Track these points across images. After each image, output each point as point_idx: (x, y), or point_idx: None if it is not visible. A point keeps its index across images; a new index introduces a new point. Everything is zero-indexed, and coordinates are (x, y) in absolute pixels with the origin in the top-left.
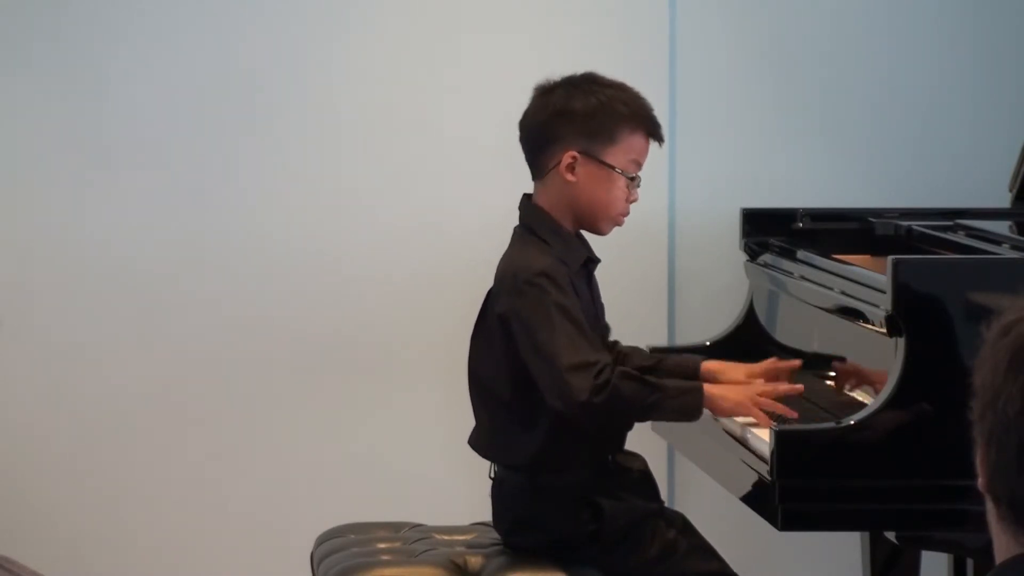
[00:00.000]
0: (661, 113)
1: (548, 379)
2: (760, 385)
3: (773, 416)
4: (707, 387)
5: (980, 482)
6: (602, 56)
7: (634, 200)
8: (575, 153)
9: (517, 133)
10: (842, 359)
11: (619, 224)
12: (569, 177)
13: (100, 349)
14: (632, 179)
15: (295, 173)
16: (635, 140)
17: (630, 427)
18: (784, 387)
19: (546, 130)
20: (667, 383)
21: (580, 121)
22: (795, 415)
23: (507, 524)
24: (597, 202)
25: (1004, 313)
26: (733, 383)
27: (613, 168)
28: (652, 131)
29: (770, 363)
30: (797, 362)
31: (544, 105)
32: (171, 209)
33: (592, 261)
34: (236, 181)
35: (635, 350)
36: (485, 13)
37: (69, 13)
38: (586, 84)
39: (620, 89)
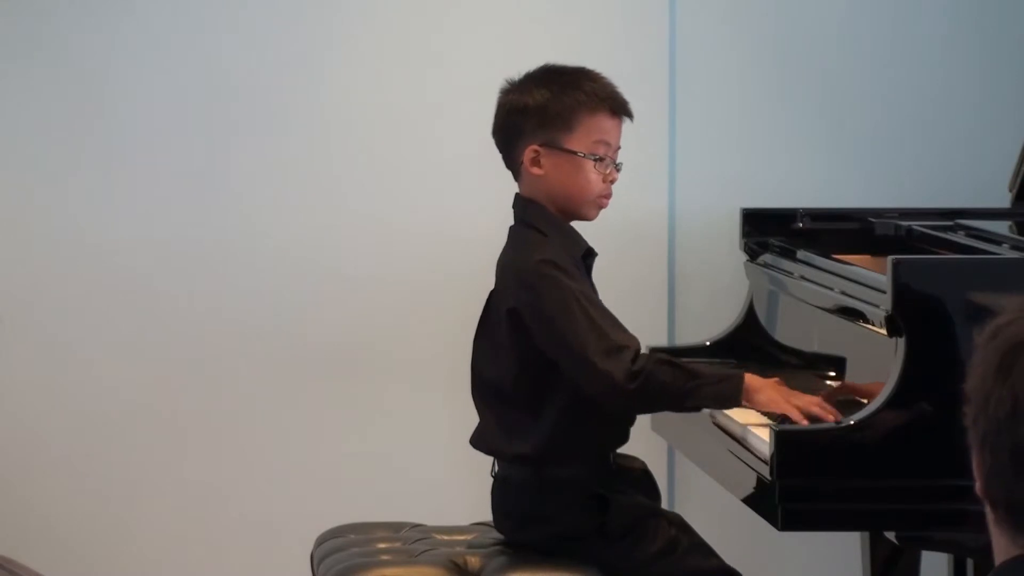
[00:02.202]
0: (661, 113)
1: (579, 370)
2: (800, 394)
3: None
4: (747, 376)
5: (977, 487)
6: (602, 56)
7: (613, 180)
8: (536, 147)
9: None
10: (842, 360)
11: (603, 206)
12: (536, 171)
13: (100, 349)
14: (601, 160)
15: (295, 175)
16: (596, 121)
17: (664, 410)
18: (820, 400)
19: (508, 128)
20: (704, 369)
21: (534, 114)
22: (837, 417)
23: (512, 520)
24: (570, 189)
25: (997, 316)
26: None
27: (575, 153)
28: (616, 108)
29: (817, 400)
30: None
31: (503, 103)
32: (171, 211)
33: (590, 255)
34: (236, 183)
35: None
36: (483, 14)
37: (68, 14)
38: (541, 76)
39: (577, 73)
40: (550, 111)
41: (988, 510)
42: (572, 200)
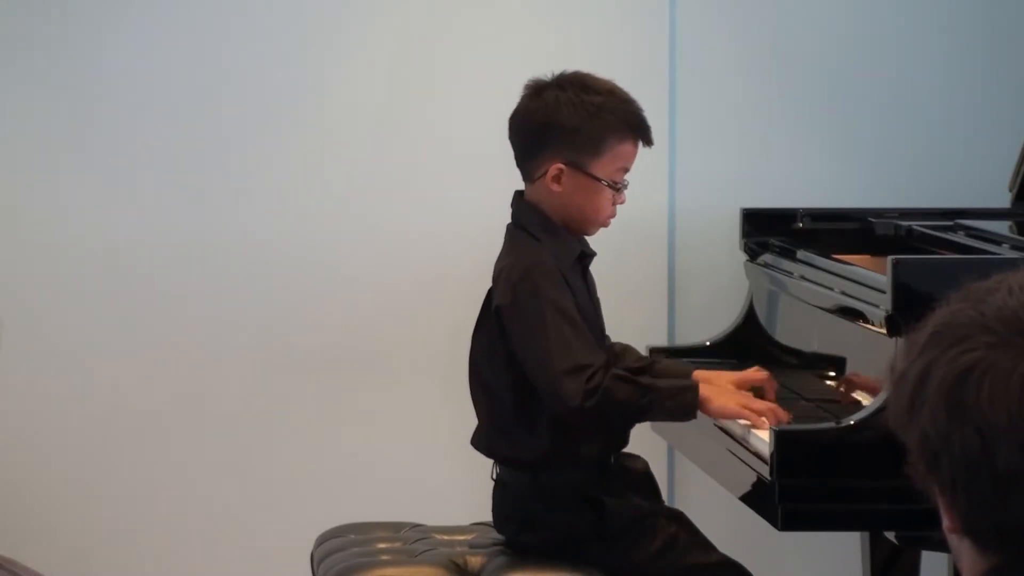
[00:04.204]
0: (661, 113)
1: (542, 382)
2: (750, 396)
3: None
4: (702, 387)
5: (948, 526)
6: (602, 56)
7: (621, 203)
8: (561, 166)
9: None
10: (842, 360)
11: (605, 226)
12: (555, 187)
13: (100, 351)
14: (617, 187)
15: (294, 177)
16: (623, 148)
17: (629, 427)
18: (772, 403)
19: (534, 138)
20: (661, 383)
21: (567, 133)
22: (788, 417)
23: (512, 524)
24: (585, 211)
25: (897, 360)
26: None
27: (599, 180)
28: (641, 137)
29: (753, 371)
30: (774, 382)
31: (533, 110)
32: (172, 213)
33: (587, 255)
34: (235, 184)
35: (627, 349)
36: (483, 13)
37: (67, 13)
38: (575, 91)
39: (609, 95)
40: (582, 134)
41: (968, 544)
42: (580, 220)
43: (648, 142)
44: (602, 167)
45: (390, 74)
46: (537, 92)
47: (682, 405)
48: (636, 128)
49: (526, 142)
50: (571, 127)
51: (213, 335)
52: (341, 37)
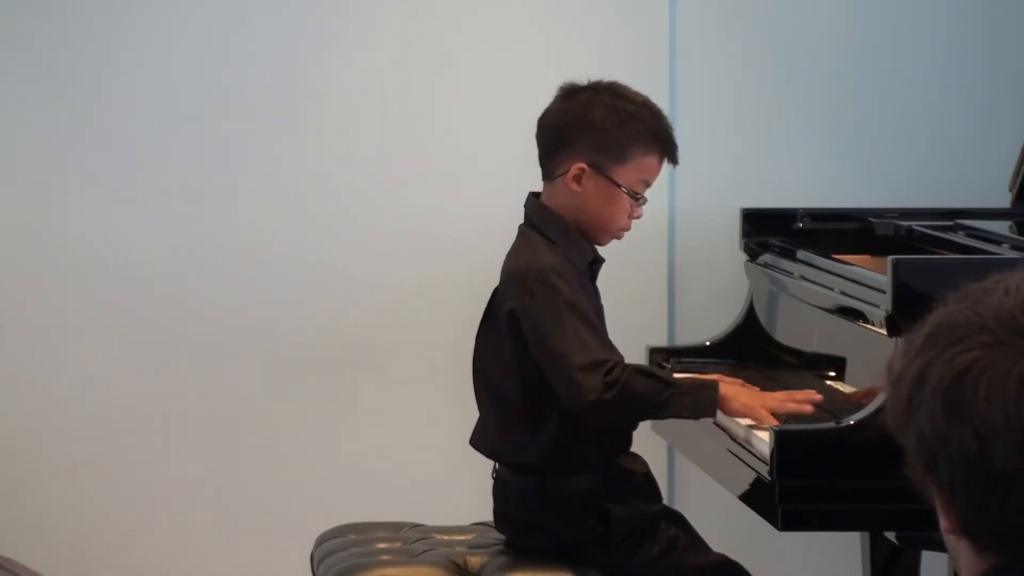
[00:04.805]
0: None
1: (559, 378)
2: (770, 394)
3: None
4: (722, 385)
5: (946, 527)
6: (602, 56)
7: (638, 216)
8: (583, 165)
9: (518, 136)
10: (842, 360)
11: (618, 238)
12: (574, 187)
13: (99, 351)
14: (636, 198)
15: (295, 176)
16: (648, 160)
17: (642, 421)
18: (800, 395)
19: (561, 135)
20: (681, 378)
21: (594, 134)
22: (813, 405)
23: (513, 526)
24: (599, 216)
25: (895, 360)
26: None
27: (619, 186)
28: (667, 153)
29: (786, 394)
30: (818, 396)
31: (565, 110)
32: (174, 213)
33: (597, 262)
34: (236, 184)
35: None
36: (486, 15)
37: (67, 13)
38: (609, 95)
39: (643, 106)
40: (609, 138)
41: (965, 545)
42: (595, 225)
43: (673, 160)
44: (624, 175)
45: (391, 75)
46: (571, 94)
47: (700, 402)
48: (664, 143)
49: (552, 138)
50: (600, 128)
51: (214, 335)
52: (342, 38)
